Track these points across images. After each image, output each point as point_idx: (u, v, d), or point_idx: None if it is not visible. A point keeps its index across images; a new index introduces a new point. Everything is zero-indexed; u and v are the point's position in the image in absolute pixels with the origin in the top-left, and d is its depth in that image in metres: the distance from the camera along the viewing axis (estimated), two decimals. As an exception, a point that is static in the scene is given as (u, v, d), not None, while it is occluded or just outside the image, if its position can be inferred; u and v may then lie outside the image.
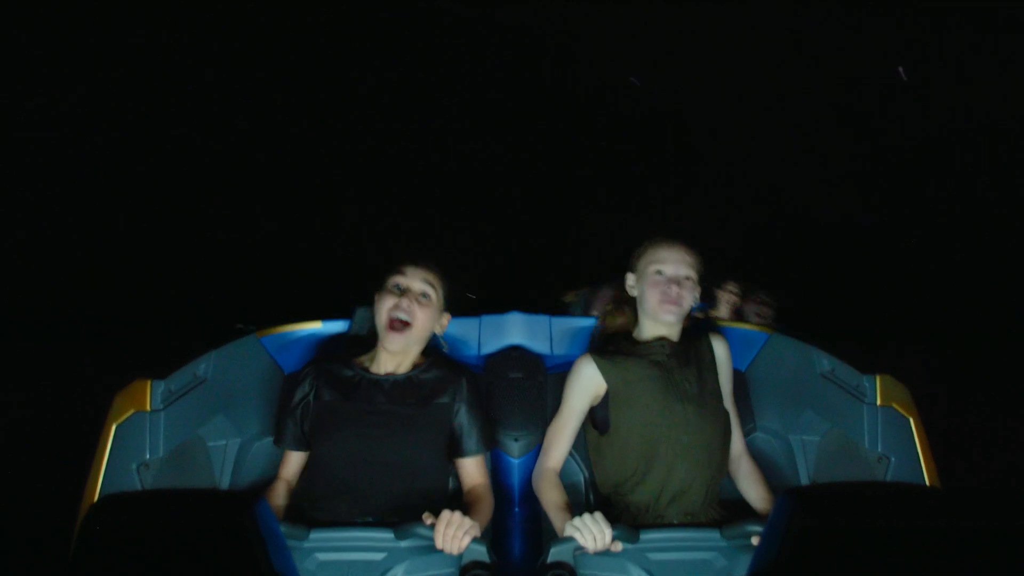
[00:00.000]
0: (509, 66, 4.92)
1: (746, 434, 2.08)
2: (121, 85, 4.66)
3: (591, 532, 1.56)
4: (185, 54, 4.80)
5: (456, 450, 1.92)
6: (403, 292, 1.93)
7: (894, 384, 1.91)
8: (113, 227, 4.29)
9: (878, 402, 1.88)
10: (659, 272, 1.96)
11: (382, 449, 1.83)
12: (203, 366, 2.03)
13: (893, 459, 1.84)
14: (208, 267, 4.08)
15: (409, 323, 1.91)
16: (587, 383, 1.95)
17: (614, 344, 2.03)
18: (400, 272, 1.96)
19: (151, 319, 3.65)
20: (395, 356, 1.96)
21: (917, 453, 1.82)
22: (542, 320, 2.24)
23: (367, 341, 2.07)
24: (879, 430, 1.86)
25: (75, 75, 4.62)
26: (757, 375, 2.13)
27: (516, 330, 2.24)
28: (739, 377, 2.13)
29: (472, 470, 1.92)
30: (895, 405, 1.87)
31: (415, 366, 1.98)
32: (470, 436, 1.92)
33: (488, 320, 2.24)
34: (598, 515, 1.59)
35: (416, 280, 1.95)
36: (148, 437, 1.88)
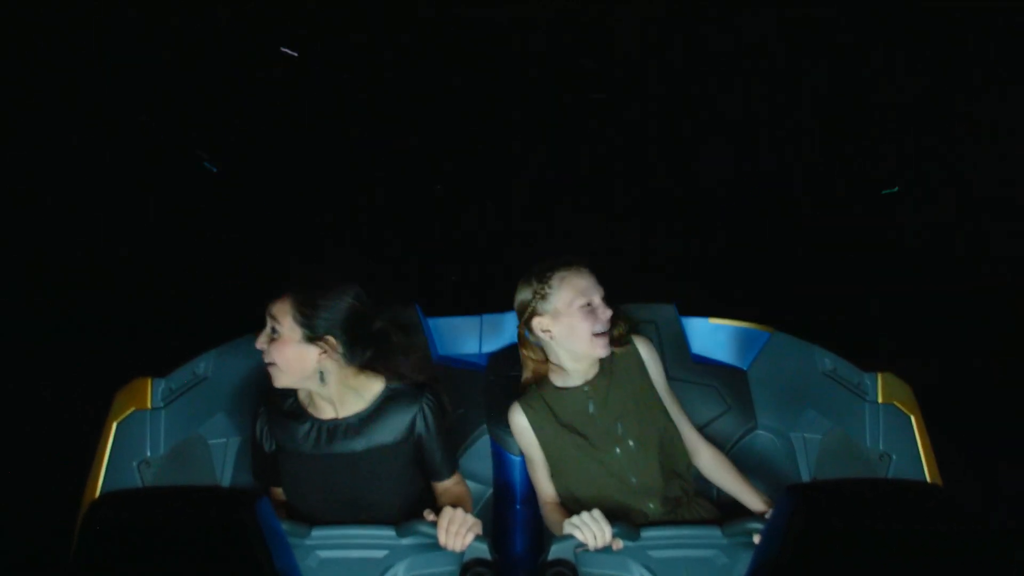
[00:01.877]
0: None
1: (747, 432, 2.08)
2: (121, 83, 4.66)
3: (590, 530, 1.57)
4: (183, 51, 4.80)
5: (429, 474, 1.89)
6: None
7: (896, 382, 1.91)
8: (113, 227, 4.29)
9: (879, 400, 1.88)
10: (588, 304, 1.83)
11: (351, 495, 1.79)
12: (203, 364, 2.04)
13: (894, 457, 1.85)
14: (208, 267, 4.08)
15: (272, 363, 1.76)
16: (526, 434, 1.90)
17: (539, 391, 1.92)
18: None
19: (151, 319, 3.64)
20: (332, 398, 1.81)
21: (918, 451, 1.83)
22: (543, 318, 2.24)
23: None
24: (880, 428, 1.87)
25: (74, 75, 4.63)
26: (759, 374, 2.13)
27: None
28: (741, 375, 2.14)
29: (445, 485, 1.89)
30: (896, 403, 1.87)
31: (367, 404, 1.83)
32: (435, 465, 1.87)
33: (489, 319, 2.25)
34: (597, 513, 1.59)
35: (267, 318, 1.77)
36: (149, 435, 1.89)
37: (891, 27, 4.89)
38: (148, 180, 4.50)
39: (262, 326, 1.78)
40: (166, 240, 4.28)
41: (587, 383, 1.90)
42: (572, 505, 1.85)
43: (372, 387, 1.85)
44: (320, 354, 1.75)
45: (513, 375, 2.10)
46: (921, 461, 1.82)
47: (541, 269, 1.88)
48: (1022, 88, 4.51)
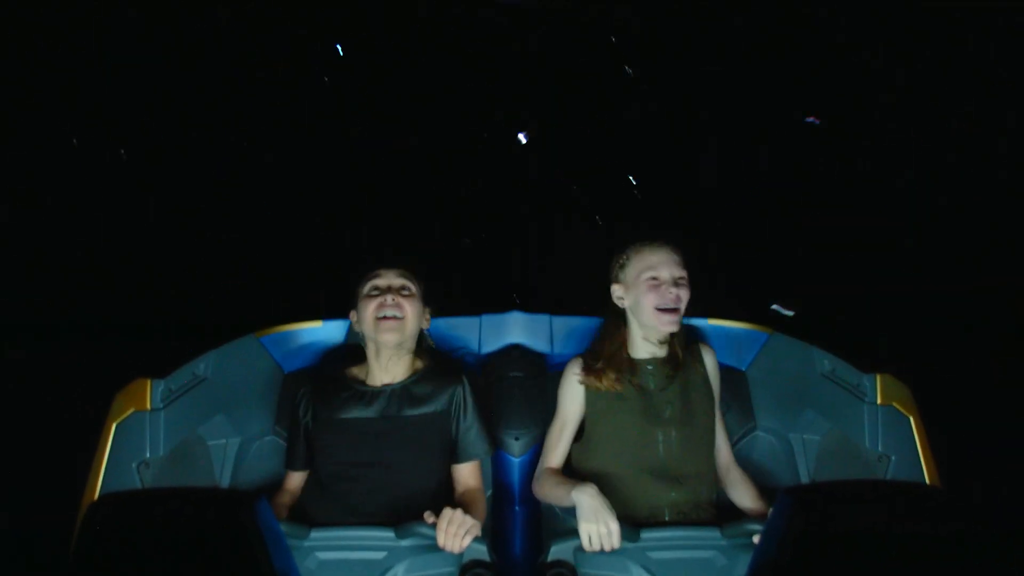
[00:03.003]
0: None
1: (746, 433, 2.08)
2: (121, 83, 4.66)
3: (600, 541, 1.57)
4: (185, 51, 4.80)
5: (453, 456, 1.92)
6: (384, 291, 1.94)
7: (894, 383, 1.91)
8: (114, 227, 4.29)
9: (878, 401, 1.88)
10: (654, 278, 1.92)
11: (380, 463, 1.84)
12: (203, 365, 2.04)
13: (893, 458, 1.85)
14: (208, 267, 4.07)
15: (399, 317, 1.91)
16: (576, 388, 1.96)
17: (607, 355, 1.98)
18: (375, 276, 1.98)
19: (151, 319, 3.64)
20: (388, 364, 1.95)
21: (917, 452, 1.83)
22: (543, 319, 2.24)
23: (362, 352, 2.04)
24: (879, 429, 1.87)
25: (74, 75, 4.62)
26: (758, 374, 2.13)
27: (516, 329, 2.24)
28: (740, 376, 2.14)
29: (466, 475, 1.92)
30: (895, 404, 1.87)
31: (412, 373, 1.97)
32: (467, 442, 1.92)
33: (488, 319, 2.25)
34: (614, 528, 1.58)
35: (393, 278, 1.98)
36: (148, 436, 1.90)
37: (891, 27, 4.88)
38: (148, 180, 4.50)
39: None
40: (166, 240, 4.27)
41: (654, 359, 1.96)
42: (601, 478, 1.84)
43: (416, 364, 2.00)
44: (425, 319, 2.02)
45: (513, 376, 2.10)
46: (920, 462, 1.83)
47: (632, 241, 2.01)
48: (1022, 88, 4.50)
